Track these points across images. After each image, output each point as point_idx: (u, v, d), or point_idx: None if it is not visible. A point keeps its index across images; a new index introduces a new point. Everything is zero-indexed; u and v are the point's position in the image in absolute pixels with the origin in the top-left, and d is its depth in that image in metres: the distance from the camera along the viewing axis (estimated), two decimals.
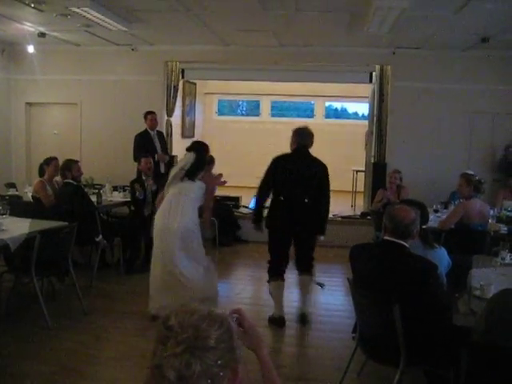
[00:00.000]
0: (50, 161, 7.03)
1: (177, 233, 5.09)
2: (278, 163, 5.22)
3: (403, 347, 3.15)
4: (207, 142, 5.80)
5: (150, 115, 8.54)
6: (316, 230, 5.27)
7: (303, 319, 5.28)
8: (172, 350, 1.25)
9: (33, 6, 6.91)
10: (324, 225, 5.28)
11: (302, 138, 5.25)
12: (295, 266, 5.39)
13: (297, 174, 5.13)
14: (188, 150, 5.42)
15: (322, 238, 5.29)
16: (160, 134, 8.89)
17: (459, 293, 4.13)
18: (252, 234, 8.94)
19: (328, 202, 5.30)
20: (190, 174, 5.21)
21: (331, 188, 5.36)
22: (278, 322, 5.21)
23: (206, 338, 1.27)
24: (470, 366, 2.61)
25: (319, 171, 5.19)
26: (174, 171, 5.37)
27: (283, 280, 5.32)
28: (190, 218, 5.19)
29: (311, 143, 5.29)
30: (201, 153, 5.36)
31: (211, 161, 5.83)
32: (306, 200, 5.12)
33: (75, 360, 4.34)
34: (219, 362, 1.27)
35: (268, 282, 5.37)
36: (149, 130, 8.53)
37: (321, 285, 5.49)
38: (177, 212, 5.13)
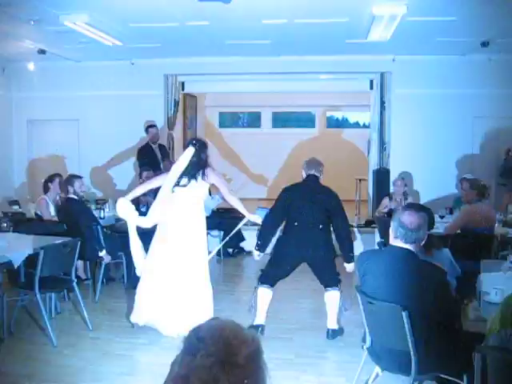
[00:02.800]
0: (53, 178, 7.05)
1: (187, 239, 5.16)
2: (289, 192, 5.28)
3: (414, 355, 3.09)
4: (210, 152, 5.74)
5: (151, 128, 8.56)
6: (329, 254, 5.19)
7: (328, 335, 5.19)
8: (201, 361, 1.22)
9: (32, 23, 6.94)
10: (349, 252, 5.24)
11: (311, 167, 5.31)
12: (321, 283, 5.28)
13: (308, 201, 5.14)
14: (187, 145, 5.45)
15: (349, 266, 5.23)
16: (162, 146, 8.89)
17: (467, 299, 4.07)
18: (251, 245, 8.93)
19: (347, 229, 5.30)
20: (192, 172, 5.21)
21: None
22: (257, 330, 5.02)
23: (236, 354, 1.24)
24: (483, 372, 2.55)
25: (330, 199, 5.19)
26: (176, 169, 5.27)
27: (272, 290, 5.21)
28: (198, 223, 5.28)
29: (321, 171, 5.33)
30: (200, 148, 5.32)
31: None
32: (321, 226, 5.11)
33: (81, 376, 4.28)
34: (246, 381, 1.23)
35: (255, 287, 5.26)
36: (150, 143, 8.53)
37: (344, 308, 5.35)
38: (187, 219, 5.20)
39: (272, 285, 5.20)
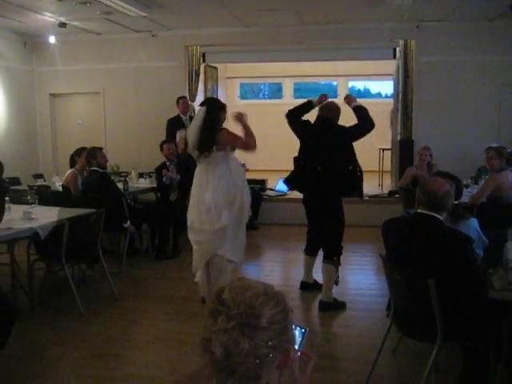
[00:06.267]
0: (80, 151, 7.08)
1: (209, 208, 4.86)
2: (305, 124, 5.38)
3: (439, 322, 3.07)
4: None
5: (181, 99, 8.52)
6: (330, 209, 5.10)
7: (320, 306, 5.15)
8: (222, 325, 1.22)
9: None
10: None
11: (324, 110, 5.30)
12: (322, 249, 5.30)
13: (314, 141, 5.13)
14: (201, 104, 5.03)
15: None
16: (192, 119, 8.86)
17: (493, 268, 4.03)
18: (275, 216, 8.93)
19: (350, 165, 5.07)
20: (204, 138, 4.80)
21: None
22: (300, 284, 5.60)
23: (257, 316, 1.23)
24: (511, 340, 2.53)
25: (339, 137, 5.12)
26: (191, 129, 4.97)
27: (313, 256, 5.51)
28: (220, 194, 4.86)
29: (334, 116, 5.24)
30: (212, 108, 4.89)
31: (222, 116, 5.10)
32: (319, 167, 5.03)
33: (108, 344, 4.36)
34: (270, 342, 1.23)
35: None
36: (181, 115, 8.47)
37: (336, 282, 5.21)
38: (207, 188, 4.86)
39: (311, 252, 5.50)
